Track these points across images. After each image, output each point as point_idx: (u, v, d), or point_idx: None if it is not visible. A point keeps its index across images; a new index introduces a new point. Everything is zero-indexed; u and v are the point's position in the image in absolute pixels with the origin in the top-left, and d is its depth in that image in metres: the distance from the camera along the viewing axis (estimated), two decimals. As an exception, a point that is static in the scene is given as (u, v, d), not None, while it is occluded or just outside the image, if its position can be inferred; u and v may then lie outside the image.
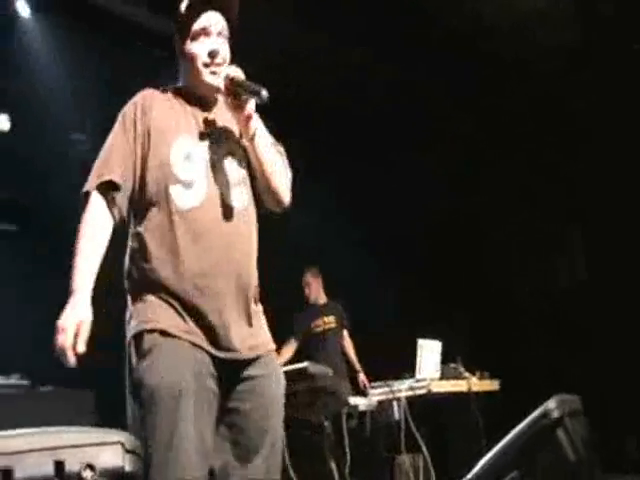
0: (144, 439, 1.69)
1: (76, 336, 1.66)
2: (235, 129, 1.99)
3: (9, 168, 5.26)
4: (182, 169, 1.87)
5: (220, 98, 2.01)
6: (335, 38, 4.89)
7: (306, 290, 5.49)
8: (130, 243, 1.93)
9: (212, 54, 1.94)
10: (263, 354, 1.90)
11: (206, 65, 1.94)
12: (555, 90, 5.18)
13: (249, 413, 1.84)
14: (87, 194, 1.88)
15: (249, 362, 1.86)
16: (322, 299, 5.50)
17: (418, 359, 4.29)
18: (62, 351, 1.64)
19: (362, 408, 4.39)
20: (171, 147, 1.89)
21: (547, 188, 5.49)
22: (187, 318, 1.81)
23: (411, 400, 4.18)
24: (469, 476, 2.02)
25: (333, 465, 4.00)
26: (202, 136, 1.94)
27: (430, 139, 5.69)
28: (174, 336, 1.78)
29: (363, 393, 4.94)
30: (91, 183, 1.88)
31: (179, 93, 2.01)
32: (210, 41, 1.95)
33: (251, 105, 1.89)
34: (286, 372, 3.97)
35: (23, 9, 4.49)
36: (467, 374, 4.43)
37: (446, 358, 4.51)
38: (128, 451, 1.38)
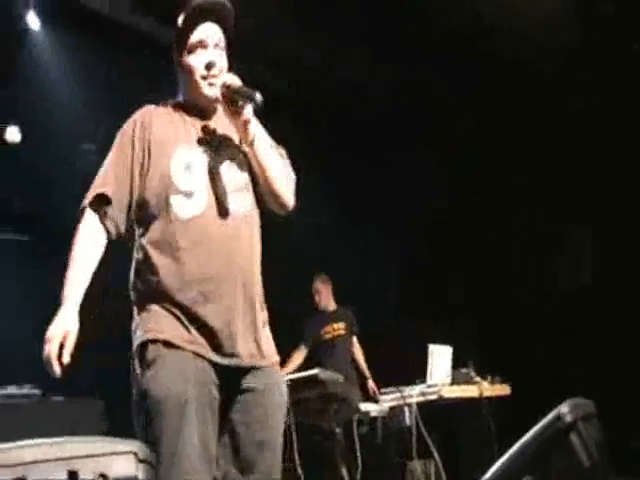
0: (149, 448, 1.70)
1: (62, 347, 1.71)
2: (235, 135, 2.01)
3: (20, 179, 5.31)
4: (182, 180, 1.89)
5: (219, 107, 2.02)
6: (335, 38, 4.91)
7: (316, 297, 5.49)
8: (135, 255, 1.95)
9: (209, 66, 1.96)
10: (266, 366, 1.91)
11: (204, 77, 1.96)
12: (556, 90, 5.17)
13: (250, 425, 1.85)
14: (82, 210, 1.91)
15: (252, 371, 1.87)
16: (332, 306, 5.51)
17: (429, 364, 4.27)
18: (48, 361, 1.69)
19: (373, 414, 4.39)
20: (171, 158, 1.91)
21: (548, 188, 5.47)
22: (191, 328, 1.82)
23: (422, 405, 4.16)
24: (481, 482, 2.01)
25: (344, 471, 4.00)
26: (201, 144, 1.96)
27: (430, 139, 5.69)
28: (178, 347, 1.80)
29: (373, 399, 4.93)
30: (86, 201, 1.92)
31: (179, 106, 2.04)
32: (207, 53, 1.97)
33: (248, 110, 1.91)
34: (297, 379, 4.02)
35: (33, 22, 4.53)
36: (478, 379, 4.40)
37: (456, 363, 4.49)
38: (141, 460, 1.38)
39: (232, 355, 1.83)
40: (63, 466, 1.28)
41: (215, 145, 1.98)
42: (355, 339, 5.47)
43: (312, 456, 3.96)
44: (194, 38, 1.97)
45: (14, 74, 4.75)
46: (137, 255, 1.94)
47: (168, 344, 1.80)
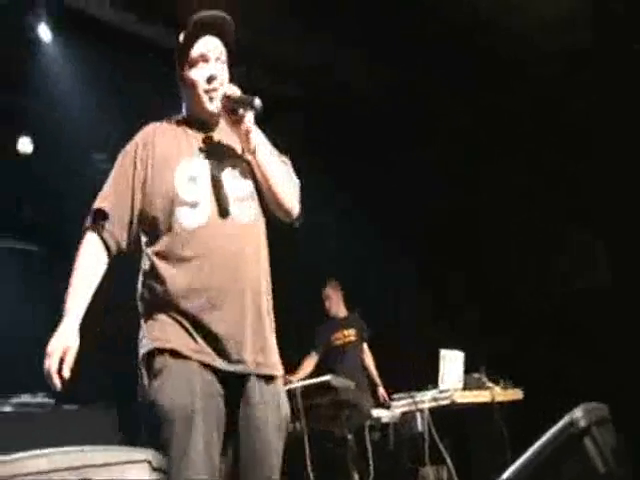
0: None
1: (61, 362, 1.74)
2: (237, 145, 2.03)
3: (31, 188, 5.36)
4: (187, 191, 1.91)
5: (221, 119, 2.04)
6: (332, 35, 4.89)
7: (326, 303, 5.49)
8: (142, 265, 1.97)
9: (210, 79, 1.98)
10: (271, 375, 1.91)
11: (206, 91, 1.99)
12: (555, 88, 5.16)
13: (248, 442, 1.85)
14: (84, 230, 1.95)
15: (257, 382, 1.87)
16: (342, 312, 5.50)
17: (441, 370, 4.26)
18: (48, 375, 1.73)
19: (385, 420, 4.37)
20: (175, 171, 1.93)
21: (548, 187, 5.45)
22: (197, 337, 1.83)
23: (434, 411, 4.15)
24: (495, 487, 2.00)
25: (357, 478, 3.98)
26: (204, 155, 1.98)
27: (429, 137, 5.68)
28: (184, 356, 1.81)
29: (383, 406, 4.92)
30: (87, 221, 1.95)
31: (181, 121, 2.07)
32: (209, 67, 1.99)
33: (249, 118, 1.92)
34: (309, 385, 4.02)
35: (44, 33, 4.57)
36: (490, 384, 4.39)
37: (468, 368, 4.47)
38: (155, 469, 1.39)
39: (238, 361, 1.84)
40: (79, 474, 1.29)
41: (218, 155, 2.00)
42: (366, 346, 5.46)
43: (324, 463, 3.95)
44: (195, 52, 1.99)
45: (25, 85, 4.79)
46: (144, 265, 1.96)
47: (175, 354, 1.81)
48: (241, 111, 1.92)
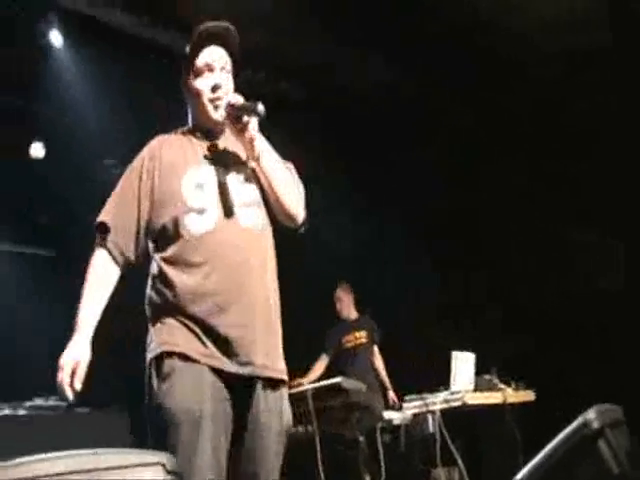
0: None
1: (73, 374, 1.78)
2: (242, 153, 2.05)
3: (43, 194, 5.40)
4: (194, 197, 1.95)
5: (226, 128, 2.07)
6: (331, 33, 4.90)
7: (337, 305, 5.49)
8: (151, 271, 2.00)
9: (215, 88, 2.01)
10: (278, 380, 1.93)
11: (210, 100, 2.02)
12: (556, 89, 5.16)
13: (251, 447, 1.88)
14: (93, 246, 1.99)
15: (264, 387, 1.89)
16: (353, 314, 5.51)
17: (452, 371, 4.25)
18: (60, 387, 1.79)
19: (396, 422, 4.37)
20: (181, 179, 1.97)
21: (548, 188, 5.44)
22: (206, 341, 1.85)
23: (445, 412, 4.14)
24: (507, 490, 1.99)
25: (368, 480, 3.99)
26: (210, 162, 2.02)
27: (429, 136, 5.68)
28: (193, 360, 1.83)
29: (394, 408, 4.92)
30: (96, 239, 1.99)
31: (187, 131, 2.11)
32: (214, 76, 2.03)
33: (253, 126, 1.95)
34: (320, 387, 4.03)
35: (56, 39, 4.61)
36: (502, 385, 4.38)
37: (479, 369, 4.46)
38: (169, 472, 1.39)
39: (247, 364, 1.86)
40: (93, 477, 1.30)
41: (224, 162, 2.03)
42: (376, 348, 5.46)
43: (335, 465, 3.95)
44: (200, 62, 2.03)
45: (37, 91, 4.83)
46: (153, 270, 1.99)
47: (184, 357, 1.83)
48: (245, 118, 1.95)
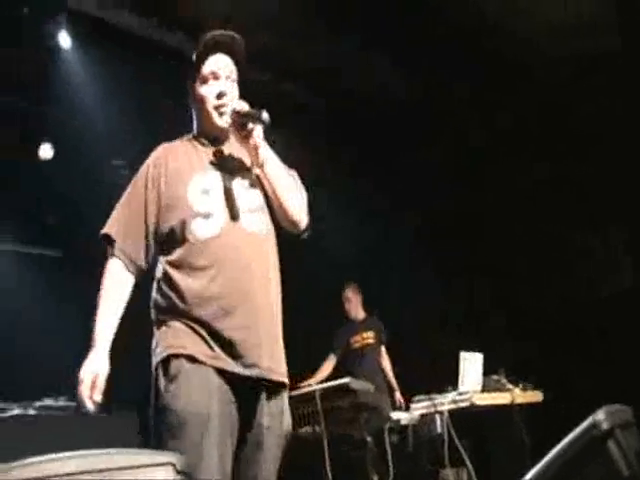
0: None
1: (93, 387, 1.83)
2: (247, 159, 2.08)
3: (51, 194, 5.42)
4: (200, 202, 1.98)
5: (231, 135, 2.10)
6: (338, 35, 4.92)
7: (346, 305, 5.49)
8: (156, 274, 2.03)
9: (220, 95, 2.05)
10: (281, 382, 1.97)
11: (215, 107, 2.05)
12: (561, 92, 5.16)
13: (251, 449, 1.92)
14: (108, 241, 2.01)
15: (269, 390, 1.93)
16: (361, 315, 5.51)
17: (460, 372, 4.24)
18: (81, 400, 1.84)
19: (404, 422, 4.37)
20: (187, 185, 2.00)
21: (553, 190, 5.43)
22: (213, 344, 1.88)
23: (453, 413, 4.13)
24: (516, 491, 1.99)
25: (376, 480, 3.98)
26: (216, 168, 2.05)
27: (434, 139, 5.68)
28: (200, 362, 1.85)
29: (401, 409, 4.91)
30: (111, 249, 2.01)
31: (192, 138, 2.14)
32: (219, 84, 2.07)
33: (258, 133, 1.99)
34: (327, 388, 4.03)
35: (65, 41, 4.64)
36: (510, 386, 4.37)
37: (487, 370, 4.45)
38: (179, 472, 1.40)
39: (253, 366, 1.88)
40: (104, 477, 1.31)
41: (229, 168, 2.06)
42: (384, 349, 5.45)
43: (343, 465, 3.95)
44: (206, 69, 2.07)
45: (46, 92, 4.85)
46: (158, 274, 2.02)
47: (190, 359, 1.86)
48: (250, 125, 1.98)
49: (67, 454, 1.36)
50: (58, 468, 1.32)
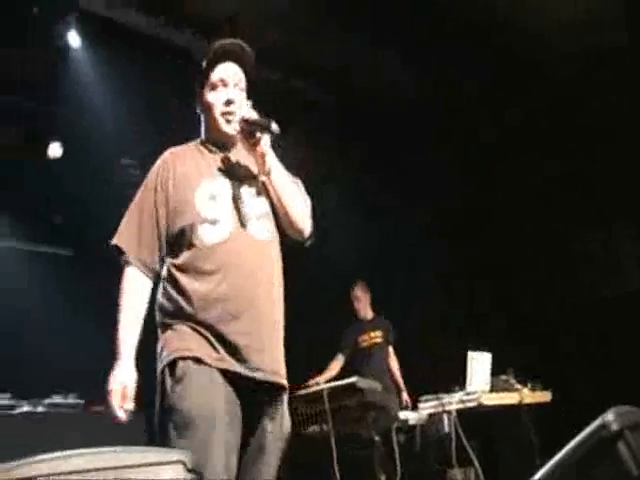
0: None
1: (123, 397, 1.88)
2: (253, 167, 2.11)
3: (61, 193, 5.44)
4: (207, 208, 2.00)
5: (238, 142, 2.13)
6: (348, 33, 4.92)
7: (355, 304, 5.47)
8: (163, 278, 2.05)
9: (228, 102, 2.08)
10: (283, 386, 2.00)
11: (222, 114, 2.08)
12: (572, 88, 5.14)
13: (253, 451, 1.95)
14: (120, 253, 2.03)
15: (272, 393, 1.97)
16: (369, 314, 5.49)
17: (468, 371, 4.23)
18: (113, 411, 1.88)
19: (412, 422, 4.36)
20: (195, 191, 2.02)
21: (563, 188, 5.40)
22: (218, 346, 1.91)
23: (461, 413, 4.12)
24: (525, 491, 1.98)
25: (384, 480, 3.98)
26: (223, 174, 2.08)
27: (444, 136, 5.67)
28: (205, 363, 1.88)
29: (407, 409, 4.91)
30: (125, 258, 2.03)
31: (200, 143, 2.16)
32: (227, 91, 2.10)
33: (265, 142, 2.02)
34: (335, 387, 4.03)
35: (74, 41, 4.66)
36: (518, 386, 4.35)
37: (496, 370, 4.44)
38: (189, 470, 1.41)
39: (258, 369, 1.92)
40: (115, 474, 1.31)
41: (236, 175, 2.09)
42: (391, 349, 5.44)
43: (351, 465, 3.95)
44: (215, 76, 2.10)
45: (55, 91, 4.87)
46: (164, 277, 2.04)
47: (196, 360, 1.89)
48: (258, 134, 2.01)
49: (77, 451, 1.37)
50: (68, 465, 1.33)
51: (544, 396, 4.51)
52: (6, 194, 5.38)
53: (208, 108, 2.11)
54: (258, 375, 1.91)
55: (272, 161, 2.06)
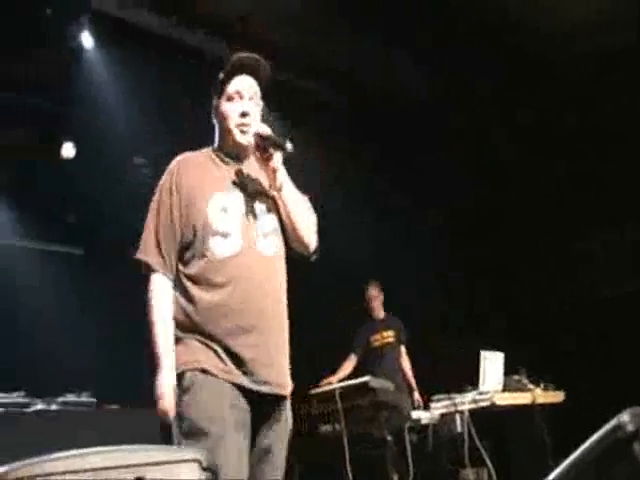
0: None
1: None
2: (264, 181, 2.14)
3: (74, 193, 5.47)
4: (219, 221, 2.03)
5: (251, 154, 2.15)
6: (360, 33, 4.92)
7: (371, 303, 5.46)
8: (174, 289, 2.07)
9: (243, 114, 2.11)
10: (285, 395, 2.04)
11: (237, 125, 2.11)
12: (585, 89, 5.11)
13: (259, 455, 1.99)
14: (147, 268, 2.05)
15: (277, 401, 2.01)
16: (381, 314, 5.49)
17: (481, 371, 4.22)
18: (165, 413, 1.92)
19: (424, 422, 4.35)
20: (208, 202, 2.05)
21: (576, 188, 5.37)
22: (226, 359, 1.95)
23: (473, 412, 4.11)
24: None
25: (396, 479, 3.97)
26: (236, 187, 2.10)
27: (456, 136, 5.66)
28: (213, 375, 1.92)
29: (419, 408, 4.90)
30: (147, 265, 2.05)
31: (213, 153, 2.18)
32: (242, 103, 2.13)
33: (277, 158, 2.05)
34: (348, 387, 4.03)
35: (87, 41, 4.68)
36: (531, 386, 4.33)
37: (508, 370, 4.42)
38: (205, 469, 1.42)
39: (265, 382, 1.96)
40: (131, 472, 1.32)
41: (249, 190, 2.12)
42: (403, 348, 5.43)
43: (363, 464, 3.95)
44: (232, 88, 2.13)
45: (68, 91, 4.90)
46: (176, 289, 2.06)
47: (204, 372, 1.93)
48: (271, 150, 2.04)
49: (93, 449, 1.38)
50: (84, 463, 1.34)
51: (557, 396, 4.49)
52: (20, 194, 5.42)
53: (223, 119, 2.14)
54: (264, 389, 1.96)
55: (283, 177, 2.10)
